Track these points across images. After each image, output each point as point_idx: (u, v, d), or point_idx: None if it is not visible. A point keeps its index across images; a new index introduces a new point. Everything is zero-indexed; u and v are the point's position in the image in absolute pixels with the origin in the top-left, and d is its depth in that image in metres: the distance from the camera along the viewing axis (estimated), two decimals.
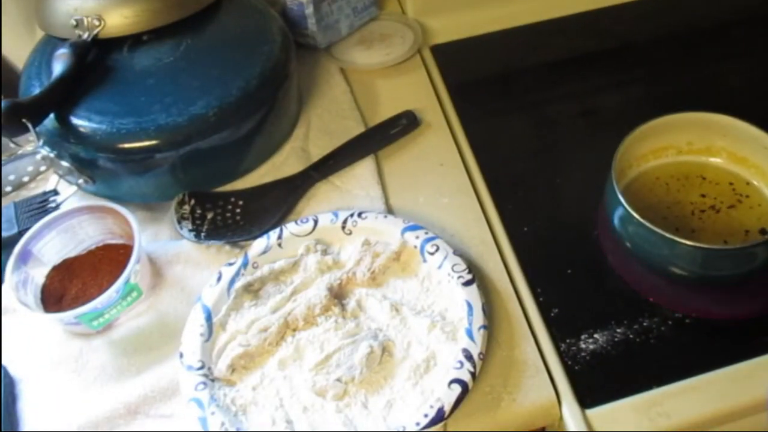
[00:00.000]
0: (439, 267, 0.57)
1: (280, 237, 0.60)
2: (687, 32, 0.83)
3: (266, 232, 0.61)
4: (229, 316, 0.56)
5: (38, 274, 0.59)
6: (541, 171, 0.69)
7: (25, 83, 0.66)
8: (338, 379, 0.51)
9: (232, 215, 0.64)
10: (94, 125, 0.61)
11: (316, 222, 0.61)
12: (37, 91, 0.62)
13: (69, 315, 0.54)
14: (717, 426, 0.52)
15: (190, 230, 0.63)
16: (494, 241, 0.62)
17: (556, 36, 0.83)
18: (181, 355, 0.53)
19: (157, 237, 0.64)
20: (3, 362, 0.56)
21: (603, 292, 0.60)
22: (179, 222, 0.63)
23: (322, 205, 0.65)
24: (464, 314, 0.54)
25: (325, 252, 0.60)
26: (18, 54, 0.75)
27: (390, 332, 0.55)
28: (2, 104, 0.56)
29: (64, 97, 0.61)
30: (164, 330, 0.58)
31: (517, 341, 0.55)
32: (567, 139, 0.72)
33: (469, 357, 0.51)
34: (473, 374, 0.50)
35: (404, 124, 0.71)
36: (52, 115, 0.61)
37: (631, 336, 0.55)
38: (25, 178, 0.70)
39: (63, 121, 0.61)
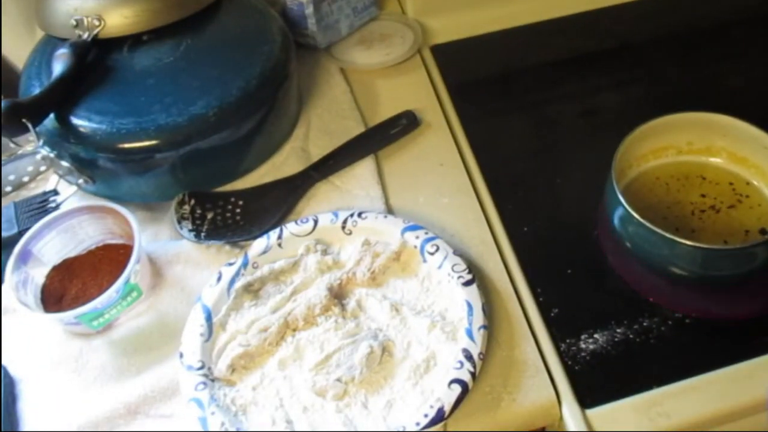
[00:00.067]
0: (439, 267, 0.57)
1: (280, 237, 0.60)
2: (687, 32, 0.83)
3: (266, 232, 0.61)
4: (229, 316, 0.56)
5: (38, 274, 0.59)
6: (541, 171, 0.69)
7: (25, 83, 0.66)
8: (338, 379, 0.51)
9: (232, 215, 0.64)
10: (94, 125, 0.61)
11: (316, 222, 0.61)
12: (37, 91, 0.62)
13: (69, 315, 0.54)
14: (717, 426, 0.52)
15: (190, 230, 0.63)
16: (494, 241, 0.62)
17: (556, 36, 0.83)
18: (181, 355, 0.53)
19: (157, 237, 0.64)
20: (3, 362, 0.56)
21: (603, 292, 0.60)
22: (179, 222, 0.63)
23: (322, 205, 0.65)
24: (464, 314, 0.54)
25: (325, 252, 0.60)
26: (18, 54, 0.75)
27: (390, 332, 0.55)
28: (2, 104, 0.56)
29: (64, 97, 0.61)
30: (164, 330, 0.58)
31: (517, 341, 0.55)
32: (567, 139, 0.72)
33: (469, 357, 0.51)
34: (473, 374, 0.50)
35: (404, 124, 0.71)
36: (52, 115, 0.61)
37: (631, 336, 0.55)
38: (25, 178, 0.70)
39: (63, 121, 0.61)
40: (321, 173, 0.67)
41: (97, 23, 0.64)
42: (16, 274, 0.57)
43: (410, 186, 0.67)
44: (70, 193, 0.65)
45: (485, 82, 0.80)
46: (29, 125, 0.58)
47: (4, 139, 0.60)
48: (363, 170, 0.68)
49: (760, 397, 0.51)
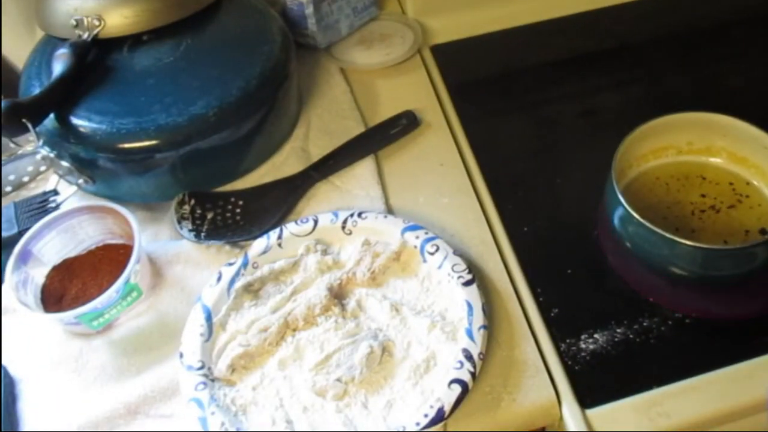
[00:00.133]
0: (439, 267, 0.57)
1: (280, 237, 0.60)
2: (687, 32, 0.83)
3: (266, 232, 0.61)
4: (229, 316, 0.56)
5: (38, 274, 0.59)
6: (541, 171, 0.69)
7: (25, 83, 0.66)
8: (338, 379, 0.51)
9: (232, 215, 0.64)
10: (94, 125, 0.61)
11: (316, 222, 0.61)
12: (37, 91, 0.62)
13: (69, 315, 0.54)
14: (717, 426, 0.52)
15: (190, 230, 0.63)
16: (494, 241, 0.62)
17: (556, 36, 0.83)
18: (181, 355, 0.53)
19: (157, 237, 0.64)
20: (3, 362, 0.56)
21: (603, 292, 0.60)
22: (179, 222, 0.63)
23: (322, 205, 0.65)
24: (464, 314, 0.54)
25: (325, 252, 0.60)
26: (18, 54, 0.75)
27: (390, 332, 0.55)
28: (2, 104, 0.56)
29: (64, 97, 0.61)
30: (164, 330, 0.58)
31: (517, 341, 0.55)
32: (567, 139, 0.72)
33: (469, 357, 0.51)
34: (473, 374, 0.50)
35: (404, 124, 0.71)
36: (52, 115, 0.61)
37: (631, 336, 0.55)
38: (25, 178, 0.70)
39: (63, 121, 0.61)
40: (321, 173, 0.67)
41: (97, 23, 0.64)
42: (16, 274, 0.57)
43: (410, 186, 0.67)
44: (70, 193, 0.65)
45: (485, 82, 0.80)
46: (29, 125, 0.58)
47: (4, 139, 0.60)
48: (363, 170, 0.68)
49: (760, 397, 0.51)
